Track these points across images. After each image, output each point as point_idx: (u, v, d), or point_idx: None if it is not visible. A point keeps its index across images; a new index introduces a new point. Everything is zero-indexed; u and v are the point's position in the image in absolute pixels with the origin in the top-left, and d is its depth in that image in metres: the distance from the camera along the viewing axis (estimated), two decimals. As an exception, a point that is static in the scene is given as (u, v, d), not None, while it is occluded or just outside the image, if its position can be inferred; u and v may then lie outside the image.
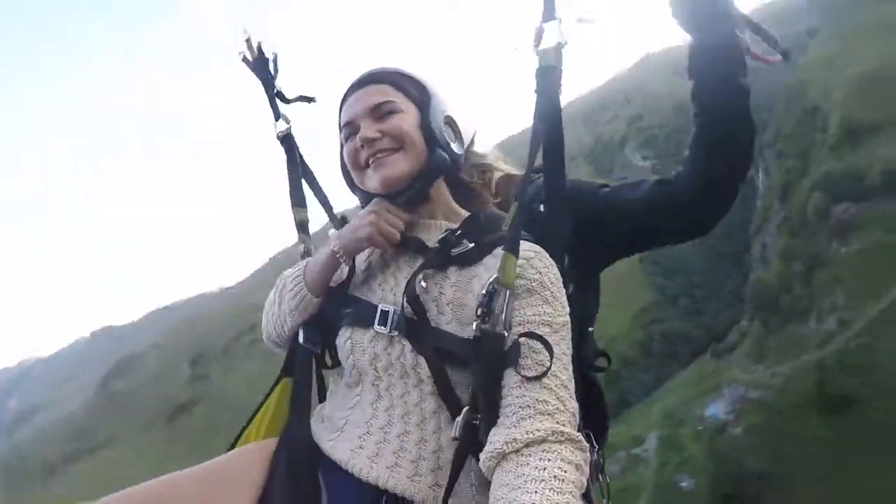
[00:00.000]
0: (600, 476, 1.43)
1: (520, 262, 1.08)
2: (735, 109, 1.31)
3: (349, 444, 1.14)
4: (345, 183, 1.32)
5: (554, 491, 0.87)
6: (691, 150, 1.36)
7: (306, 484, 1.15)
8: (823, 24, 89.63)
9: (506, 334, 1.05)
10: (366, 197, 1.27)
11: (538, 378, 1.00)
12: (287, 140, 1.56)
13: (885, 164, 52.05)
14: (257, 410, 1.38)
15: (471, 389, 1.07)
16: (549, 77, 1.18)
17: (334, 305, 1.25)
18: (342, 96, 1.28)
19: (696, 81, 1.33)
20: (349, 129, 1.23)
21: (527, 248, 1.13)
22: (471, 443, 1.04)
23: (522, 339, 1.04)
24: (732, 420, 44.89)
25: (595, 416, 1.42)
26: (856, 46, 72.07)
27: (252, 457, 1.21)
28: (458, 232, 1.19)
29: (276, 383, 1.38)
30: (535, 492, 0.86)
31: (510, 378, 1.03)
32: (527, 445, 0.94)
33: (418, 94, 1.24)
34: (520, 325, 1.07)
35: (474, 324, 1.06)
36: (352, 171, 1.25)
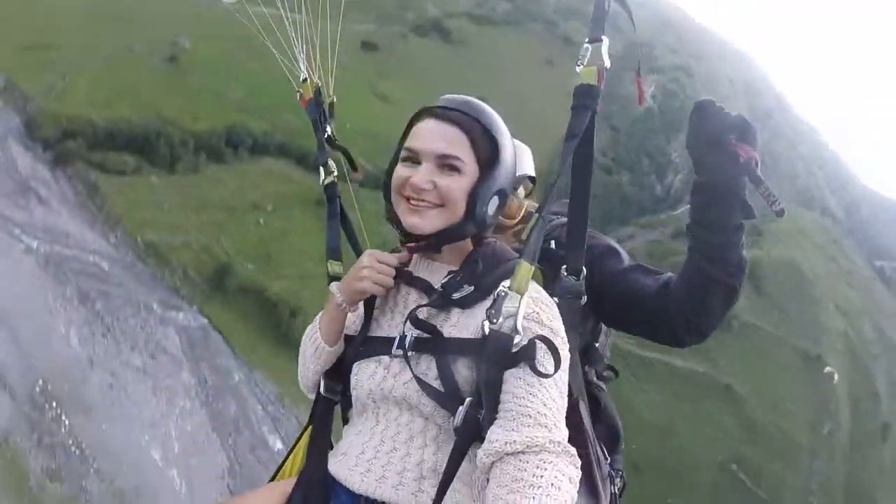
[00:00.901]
0: (612, 487, 1.41)
1: (524, 310, 1.08)
2: (726, 254, 1.29)
3: (348, 463, 1.23)
4: (383, 183, 1.33)
5: (550, 498, 0.90)
6: (682, 275, 1.37)
7: None
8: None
9: (515, 335, 1.05)
10: (391, 211, 1.30)
11: (548, 377, 1.03)
12: (330, 189, 1.63)
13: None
14: (286, 458, 1.47)
15: (474, 386, 1.10)
16: (587, 96, 1.21)
17: (352, 353, 1.31)
18: (422, 108, 1.29)
19: (693, 216, 1.33)
20: (411, 155, 1.25)
21: (537, 294, 1.16)
22: (472, 434, 1.07)
23: (538, 341, 1.05)
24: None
25: (605, 428, 1.47)
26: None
27: (272, 494, 1.33)
28: (459, 276, 1.23)
29: (303, 432, 1.45)
30: (533, 498, 0.90)
31: (514, 381, 1.05)
32: (525, 451, 0.97)
33: (488, 157, 1.24)
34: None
35: (484, 322, 1.08)
36: (393, 192, 1.27)
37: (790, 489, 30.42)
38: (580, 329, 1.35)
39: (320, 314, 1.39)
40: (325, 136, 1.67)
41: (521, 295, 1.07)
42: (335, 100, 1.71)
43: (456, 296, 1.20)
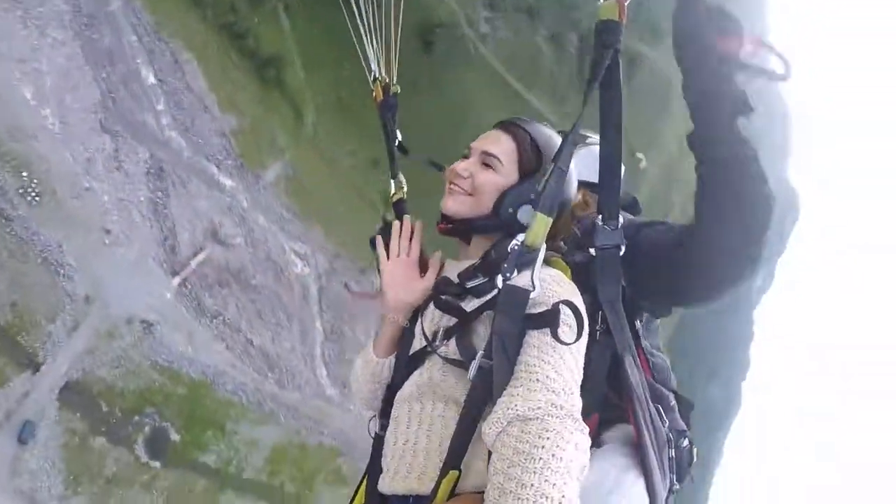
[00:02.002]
0: (671, 451, 1.27)
1: (540, 266, 1.11)
2: (739, 160, 1.17)
3: (382, 476, 1.23)
4: None
5: (551, 470, 0.87)
6: (696, 205, 1.24)
7: None
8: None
9: (531, 290, 1.07)
10: None
11: (568, 345, 1.03)
12: (398, 206, 1.60)
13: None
14: (352, 499, 1.44)
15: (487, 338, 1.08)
16: (609, 32, 1.19)
17: (399, 378, 1.30)
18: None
19: (694, 126, 1.23)
20: (466, 152, 1.37)
21: (550, 273, 1.18)
22: (484, 390, 1.04)
23: (563, 306, 1.05)
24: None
25: (661, 396, 1.36)
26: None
27: None
28: (475, 266, 1.22)
29: (365, 474, 1.42)
30: (534, 472, 0.87)
31: (528, 349, 1.04)
32: (528, 417, 0.94)
33: (530, 165, 1.30)
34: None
35: (499, 277, 1.09)
36: (445, 178, 1.36)
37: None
38: (623, 280, 1.27)
39: (370, 343, 1.41)
40: (396, 143, 1.66)
41: (537, 248, 1.10)
42: (399, 90, 1.70)
43: (469, 284, 1.21)
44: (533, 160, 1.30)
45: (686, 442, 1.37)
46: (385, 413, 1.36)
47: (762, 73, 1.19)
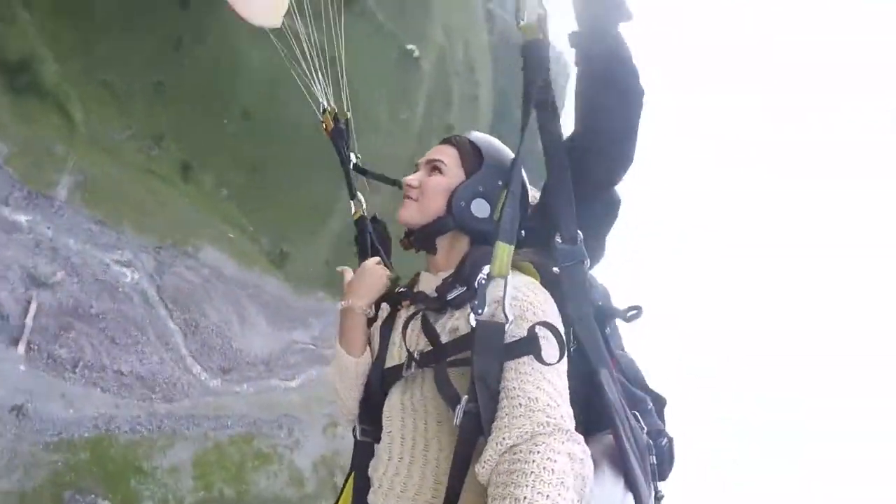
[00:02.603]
0: (652, 458, 1.29)
1: (511, 291, 1.09)
2: (620, 56, 1.26)
3: (373, 488, 1.23)
4: None
5: (543, 482, 0.84)
6: (580, 95, 1.32)
7: None
8: None
9: (505, 323, 1.05)
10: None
11: (553, 364, 1.02)
12: (360, 223, 1.73)
13: None
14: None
15: (469, 380, 1.06)
16: (535, 52, 1.20)
17: (376, 389, 1.34)
18: None
19: (580, 27, 1.29)
20: (416, 167, 1.45)
21: (521, 281, 1.17)
22: (473, 431, 1.02)
23: (539, 328, 1.03)
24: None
25: (637, 400, 1.36)
26: None
27: None
28: (451, 278, 1.25)
29: (347, 479, 1.45)
30: (526, 486, 0.84)
31: (507, 374, 1.03)
32: (516, 446, 0.93)
33: (473, 164, 1.37)
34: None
35: (471, 315, 1.07)
36: None
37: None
38: (588, 293, 1.25)
39: (337, 341, 1.44)
40: (353, 164, 1.78)
41: (504, 277, 1.09)
42: (350, 117, 1.77)
43: (450, 297, 1.21)
44: (475, 159, 1.37)
45: (665, 440, 1.37)
46: (365, 418, 1.39)
47: None
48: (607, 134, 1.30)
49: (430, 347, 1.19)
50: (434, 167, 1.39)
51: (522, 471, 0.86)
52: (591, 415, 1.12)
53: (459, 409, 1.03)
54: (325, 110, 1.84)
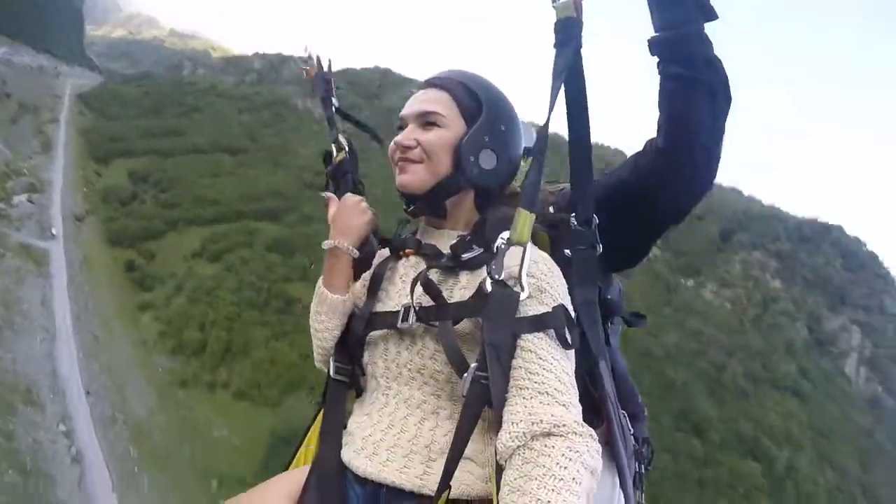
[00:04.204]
0: (637, 465, 1.32)
1: (528, 263, 1.06)
2: (689, 49, 1.19)
3: (354, 446, 1.19)
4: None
5: (570, 492, 0.83)
6: (659, 100, 1.25)
7: (333, 496, 1.18)
8: None
9: (520, 292, 1.03)
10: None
11: (572, 348, 1.02)
12: (342, 165, 1.59)
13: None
14: (299, 445, 1.43)
15: (479, 346, 1.04)
16: (568, 30, 1.16)
17: (359, 329, 1.26)
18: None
19: (653, 27, 1.23)
20: (400, 123, 1.30)
21: (538, 255, 1.14)
22: (479, 401, 1.01)
23: (557, 310, 1.03)
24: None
25: (621, 393, 1.31)
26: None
27: (286, 483, 1.25)
28: (469, 238, 1.21)
29: (315, 417, 1.42)
30: (553, 490, 0.83)
31: (526, 355, 1.00)
32: (551, 436, 0.90)
33: (472, 109, 1.25)
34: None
35: (485, 279, 1.05)
36: (390, 162, 1.29)
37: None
38: (599, 281, 1.23)
39: (320, 279, 1.35)
40: (334, 109, 1.68)
41: (523, 246, 1.05)
42: (331, 62, 1.70)
43: (465, 257, 1.18)
44: (472, 103, 1.25)
45: (649, 451, 1.35)
46: (341, 355, 1.32)
47: None
48: (696, 146, 1.21)
49: (432, 303, 1.14)
50: (429, 122, 1.24)
51: (553, 472, 0.84)
52: (585, 407, 1.05)
53: (467, 377, 1.01)
54: (308, 57, 1.77)
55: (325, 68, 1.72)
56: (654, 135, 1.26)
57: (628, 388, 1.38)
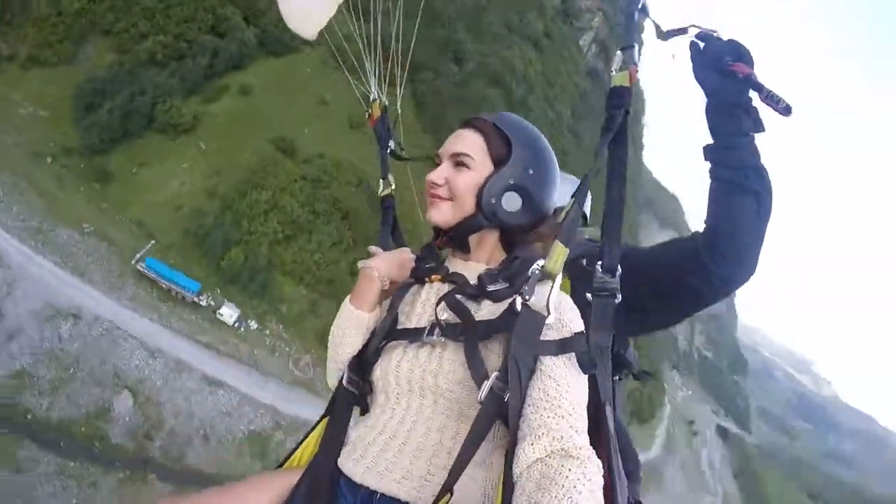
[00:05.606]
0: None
1: (555, 294, 1.10)
2: (740, 157, 1.31)
3: (354, 454, 1.23)
4: None
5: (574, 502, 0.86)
6: (708, 200, 1.38)
7: (322, 499, 1.22)
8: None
9: (546, 315, 1.07)
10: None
11: (591, 371, 1.08)
12: (386, 200, 1.86)
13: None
14: (297, 446, 1.43)
15: (501, 359, 1.10)
16: (620, 96, 1.27)
17: (377, 344, 1.33)
18: None
19: (710, 136, 1.37)
20: (437, 159, 1.40)
21: (562, 293, 1.17)
22: (494, 412, 1.06)
23: (578, 337, 1.10)
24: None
25: (628, 459, 1.44)
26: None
27: (279, 480, 1.29)
28: (496, 272, 1.28)
29: (319, 422, 1.43)
30: (555, 497, 0.87)
31: (545, 379, 1.05)
32: (569, 457, 0.93)
33: (501, 153, 1.33)
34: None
35: (516, 298, 1.11)
36: (426, 194, 1.39)
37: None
38: (613, 329, 1.23)
39: (347, 298, 1.43)
40: (389, 150, 1.88)
41: (553, 278, 1.09)
42: (400, 112, 1.87)
43: (490, 288, 1.23)
44: (502, 146, 1.32)
45: None
46: (355, 368, 1.36)
47: (773, 100, 1.21)
48: (741, 245, 1.33)
49: (457, 321, 1.20)
50: (460, 163, 1.32)
51: (569, 495, 0.87)
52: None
53: (487, 384, 1.06)
54: (374, 100, 1.89)
55: (385, 115, 1.88)
56: (702, 227, 1.40)
57: (628, 445, 1.46)
